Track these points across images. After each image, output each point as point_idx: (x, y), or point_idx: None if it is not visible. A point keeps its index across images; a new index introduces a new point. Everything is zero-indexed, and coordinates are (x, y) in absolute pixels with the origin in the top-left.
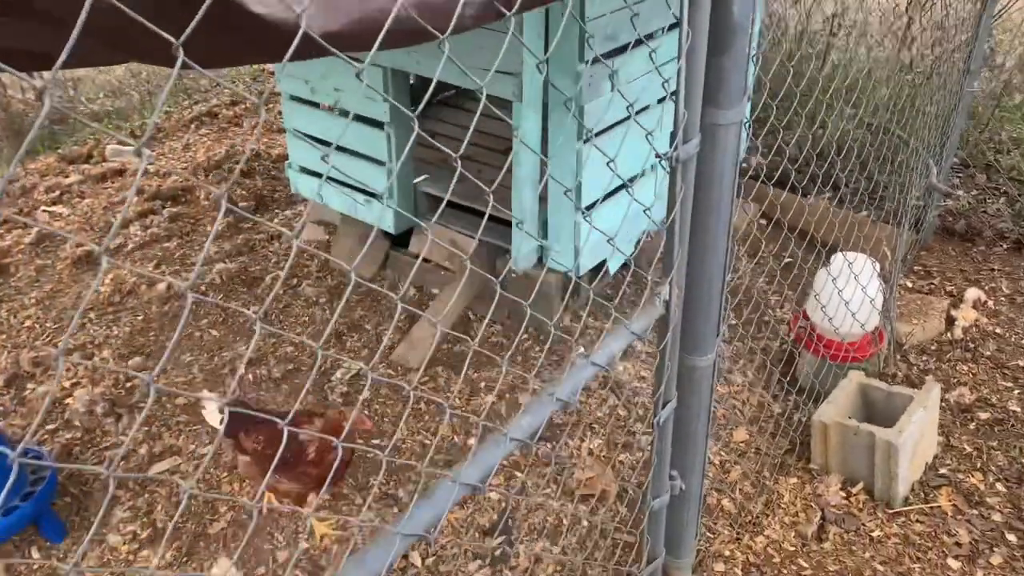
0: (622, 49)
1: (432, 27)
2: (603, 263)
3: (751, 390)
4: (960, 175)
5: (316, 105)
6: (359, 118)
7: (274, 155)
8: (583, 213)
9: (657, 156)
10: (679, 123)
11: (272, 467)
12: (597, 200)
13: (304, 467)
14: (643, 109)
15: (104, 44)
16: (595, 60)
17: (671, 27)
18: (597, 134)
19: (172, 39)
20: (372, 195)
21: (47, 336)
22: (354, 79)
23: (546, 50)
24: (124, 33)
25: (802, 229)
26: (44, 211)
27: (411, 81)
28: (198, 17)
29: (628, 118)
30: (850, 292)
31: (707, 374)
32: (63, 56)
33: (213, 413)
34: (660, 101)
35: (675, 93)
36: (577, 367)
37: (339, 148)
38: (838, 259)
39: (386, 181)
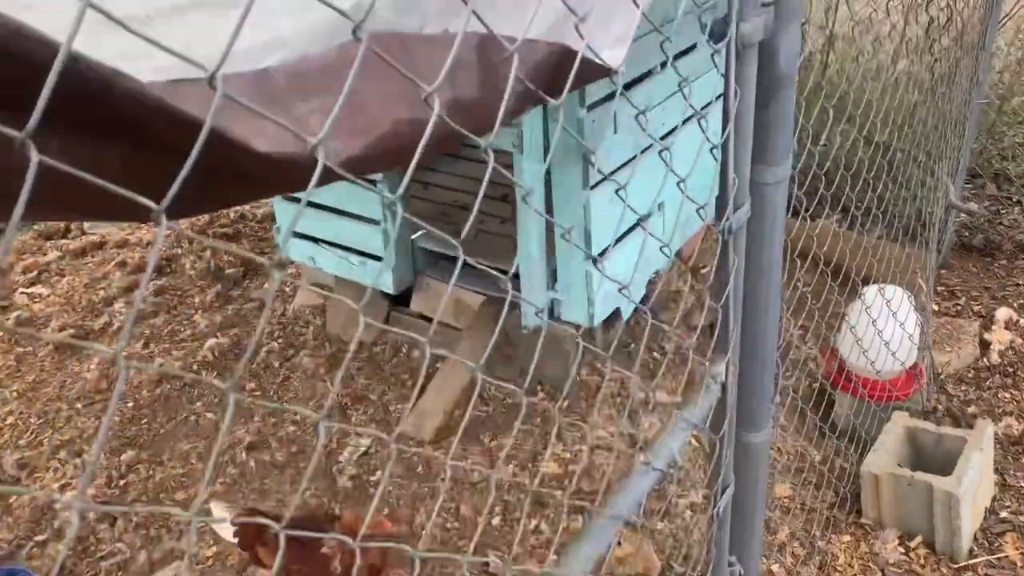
0: (624, 87)
1: (469, 130)
2: (617, 310)
3: (786, 436)
4: (970, 186)
5: None
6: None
7: (259, 215)
8: (594, 261)
9: (710, 227)
10: (729, 191)
11: None
12: (608, 246)
13: None
14: (648, 148)
15: (62, 208)
16: (596, 104)
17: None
18: (603, 179)
19: (152, 204)
20: (367, 255)
21: (31, 433)
22: None
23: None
24: (84, 196)
25: (814, 254)
26: (22, 293)
27: None
28: (182, 176)
29: (634, 157)
30: (886, 327)
31: (764, 449)
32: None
33: (226, 528)
34: (663, 138)
35: (722, 156)
36: (638, 475)
37: (329, 209)
38: (871, 292)
39: (381, 240)
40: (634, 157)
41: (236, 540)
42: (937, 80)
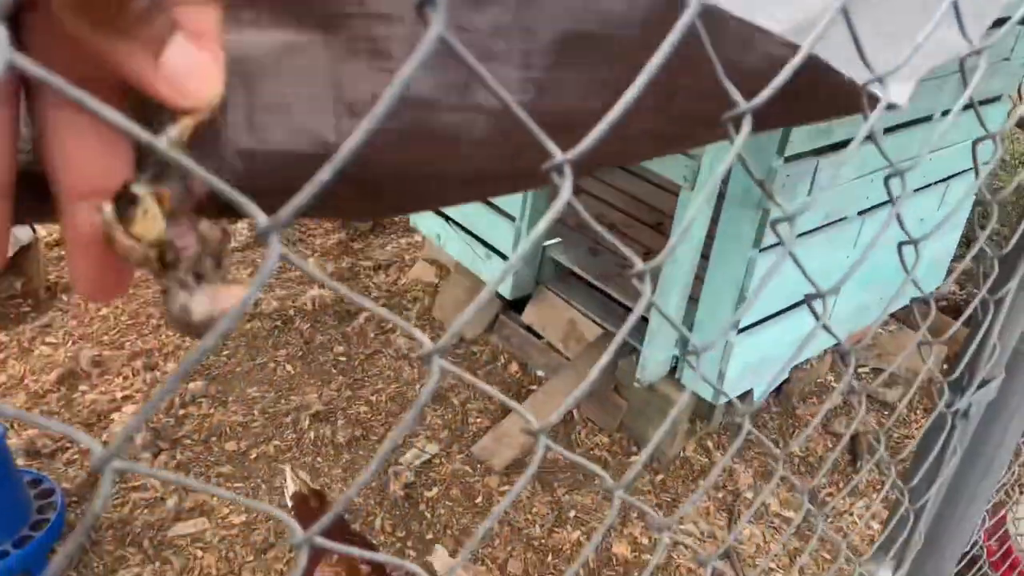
0: (833, 147)
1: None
2: (749, 391)
3: None
4: None
5: None
6: None
7: None
8: (739, 332)
9: (946, 409)
10: (983, 362)
11: None
12: (762, 320)
13: None
14: (838, 220)
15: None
16: (796, 157)
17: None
18: (777, 243)
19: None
20: (493, 250)
21: (117, 331)
22: None
23: None
24: None
25: None
26: None
27: None
28: None
29: (819, 229)
30: None
31: None
32: None
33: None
34: (861, 213)
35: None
36: None
37: None
38: None
39: (512, 239)
40: (819, 228)
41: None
42: None
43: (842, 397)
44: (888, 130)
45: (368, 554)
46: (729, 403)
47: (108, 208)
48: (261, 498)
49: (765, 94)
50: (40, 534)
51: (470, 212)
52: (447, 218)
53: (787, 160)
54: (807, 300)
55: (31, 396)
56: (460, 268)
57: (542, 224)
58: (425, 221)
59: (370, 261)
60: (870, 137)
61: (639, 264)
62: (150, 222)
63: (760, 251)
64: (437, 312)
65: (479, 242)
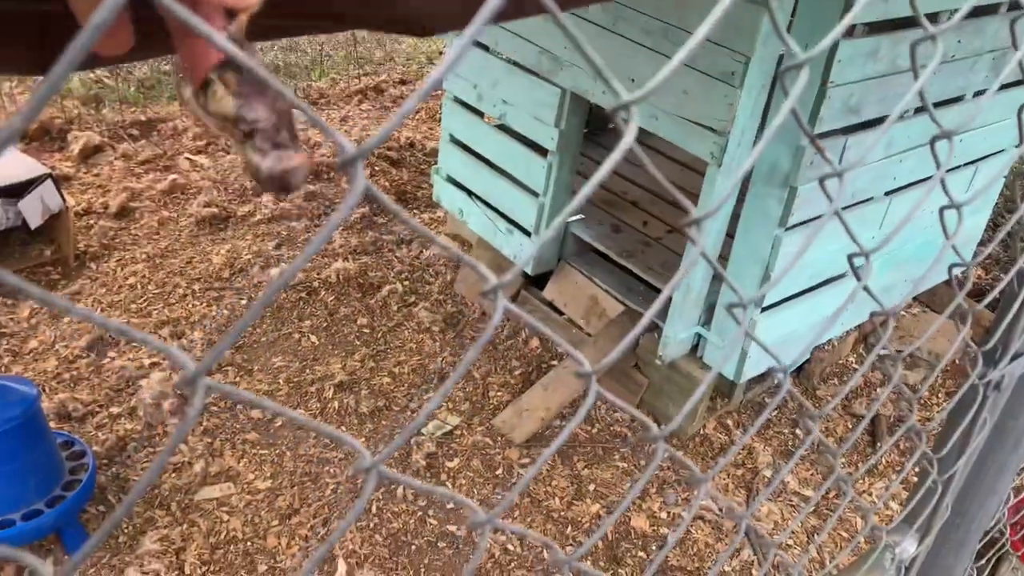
0: (860, 126)
1: None
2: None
3: None
4: None
5: (480, 114)
6: (522, 139)
7: (428, 148)
8: (762, 311)
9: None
10: (1016, 334)
11: None
12: (786, 299)
13: None
14: (865, 200)
15: None
16: (826, 135)
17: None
18: (803, 222)
19: None
20: (516, 225)
21: (145, 300)
22: (525, 93)
23: (766, 111)
24: None
25: None
26: (187, 158)
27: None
28: None
29: (845, 209)
30: None
31: None
32: None
33: None
34: (888, 193)
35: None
36: None
37: (491, 167)
38: None
39: (534, 215)
40: (846, 208)
41: None
42: None
43: (863, 378)
44: (918, 110)
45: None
46: (757, 377)
47: (188, 91)
48: (286, 465)
49: None
50: (72, 494)
51: (493, 187)
52: (470, 193)
53: (817, 138)
54: (849, 259)
55: (62, 361)
56: (482, 243)
57: (606, 165)
58: (448, 196)
59: (393, 235)
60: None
61: (693, 211)
62: (221, 101)
63: (786, 230)
64: (459, 287)
65: (501, 217)
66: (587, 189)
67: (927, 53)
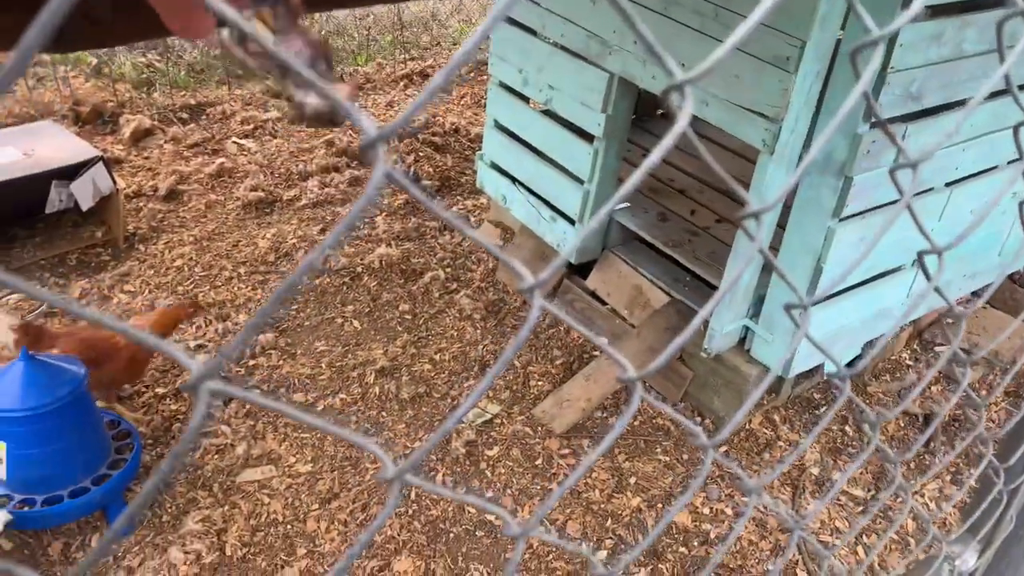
0: (920, 114)
1: None
2: (820, 365)
3: None
4: None
5: (525, 99)
6: (568, 125)
7: (472, 133)
8: (815, 304)
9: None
10: None
11: None
12: (836, 292)
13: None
14: (925, 191)
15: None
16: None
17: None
18: (859, 213)
19: None
20: (560, 213)
21: (191, 283)
22: (572, 78)
23: (822, 98)
24: None
25: None
26: (234, 142)
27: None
28: None
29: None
30: None
31: None
32: None
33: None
34: (948, 184)
35: None
36: None
37: (536, 153)
38: None
39: (579, 203)
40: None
41: (14, 346)
42: None
43: (916, 374)
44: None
45: None
46: (806, 372)
47: (225, 31)
48: (326, 450)
49: None
50: (117, 473)
51: (537, 174)
52: (513, 179)
53: (873, 125)
54: (919, 256)
55: None
56: (525, 230)
57: (657, 152)
58: (491, 183)
59: (436, 222)
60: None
61: (751, 204)
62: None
63: (840, 221)
64: (501, 274)
65: (545, 205)
66: (636, 176)
67: (1015, 32)
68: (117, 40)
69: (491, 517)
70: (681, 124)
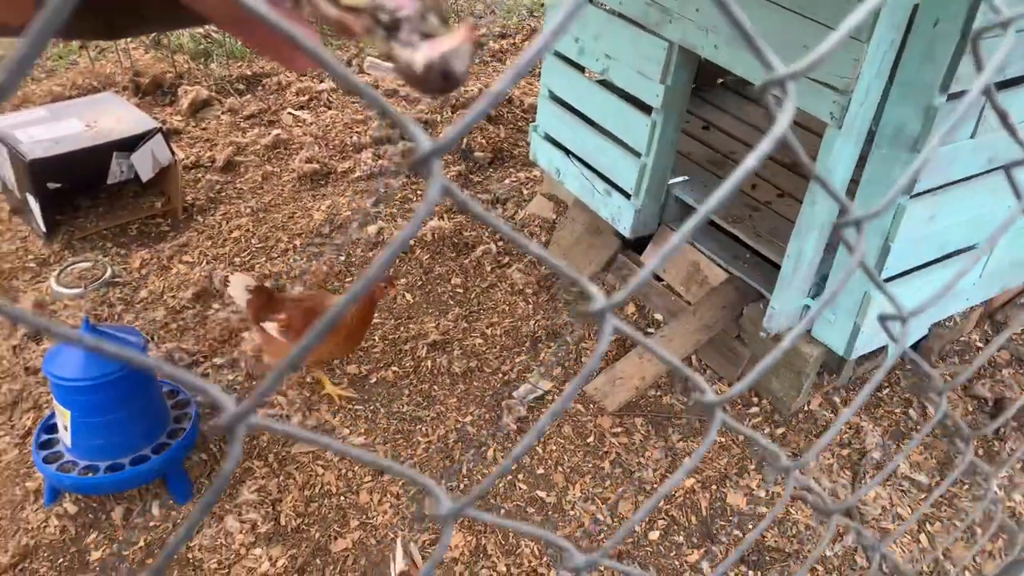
0: (1006, 84)
1: None
2: (884, 348)
3: None
4: None
5: (581, 69)
6: (625, 96)
7: (527, 104)
8: (880, 284)
9: None
10: None
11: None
12: (905, 272)
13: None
14: (997, 169)
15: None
16: (962, 94)
17: None
18: (930, 189)
19: None
20: (615, 187)
21: (248, 254)
22: (630, 47)
23: (895, 68)
24: None
25: None
26: (290, 113)
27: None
28: None
29: (981, 175)
30: None
31: None
32: None
33: (240, 295)
34: None
35: None
36: None
37: (591, 125)
38: None
39: (636, 176)
40: (980, 175)
41: (246, 306)
42: None
43: (987, 358)
44: None
45: None
46: (868, 354)
47: None
48: (379, 423)
49: None
50: (176, 442)
51: (592, 147)
52: (567, 152)
53: (950, 97)
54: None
55: (169, 312)
56: (578, 204)
57: (765, 144)
58: (545, 155)
59: (488, 195)
60: None
61: (852, 209)
62: None
63: (911, 198)
64: (553, 249)
65: (600, 178)
66: (728, 186)
67: None
68: (167, 28)
69: (542, 494)
70: (782, 124)
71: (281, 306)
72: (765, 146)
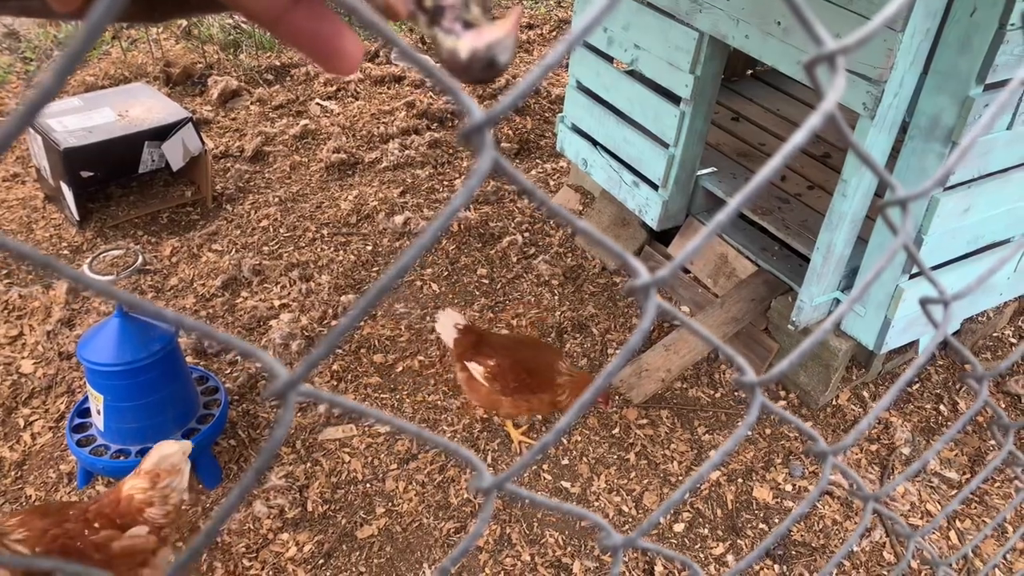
0: None
1: None
2: (915, 342)
3: None
4: None
5: (609, 59)
6: (654, 86)
7: (554, 95)
8: (911, 278)
9: None
10: None
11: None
12: (938, 265)
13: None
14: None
15: None
16: (999, 84)
17: None
18: (965, 181)
19: None
20: (642, 178)
21: (276, 242)
22: (659, 37)
23: (931, 57)
24: None
25: None
26: (317, 103)
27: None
28: None
29: (1017, 167)
30: None
31: None
32: None
33: (447, 325)
34: None
35: None
36: None
37: (619, 115)
38: None
39: (664, 167)
40: (1018, 166)
41: (452, 345)
42: None
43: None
44: None
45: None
46: (898, 348)
47: None
48: (405, 411)
49: None
50: (206, 427)
51: (620, 138)
52: (595, 143)
53: (987, 88)
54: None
55: (199, 299)
56: (605, 195)
57: (814, 118)
58: (572, 146)
59: (515, 185)
60: None
61: (900, 189)
62: None
63: (945, 190)
64: (580, 240)
65: (627, 169)
66: (766, 171)
67: None
68: (206, 12)
69: (567, 484)
70: (830, 101)
71: (491, 350)
72: (815, 120)
